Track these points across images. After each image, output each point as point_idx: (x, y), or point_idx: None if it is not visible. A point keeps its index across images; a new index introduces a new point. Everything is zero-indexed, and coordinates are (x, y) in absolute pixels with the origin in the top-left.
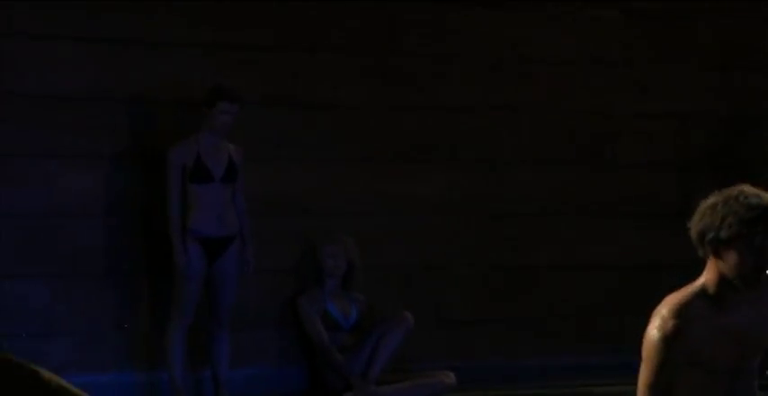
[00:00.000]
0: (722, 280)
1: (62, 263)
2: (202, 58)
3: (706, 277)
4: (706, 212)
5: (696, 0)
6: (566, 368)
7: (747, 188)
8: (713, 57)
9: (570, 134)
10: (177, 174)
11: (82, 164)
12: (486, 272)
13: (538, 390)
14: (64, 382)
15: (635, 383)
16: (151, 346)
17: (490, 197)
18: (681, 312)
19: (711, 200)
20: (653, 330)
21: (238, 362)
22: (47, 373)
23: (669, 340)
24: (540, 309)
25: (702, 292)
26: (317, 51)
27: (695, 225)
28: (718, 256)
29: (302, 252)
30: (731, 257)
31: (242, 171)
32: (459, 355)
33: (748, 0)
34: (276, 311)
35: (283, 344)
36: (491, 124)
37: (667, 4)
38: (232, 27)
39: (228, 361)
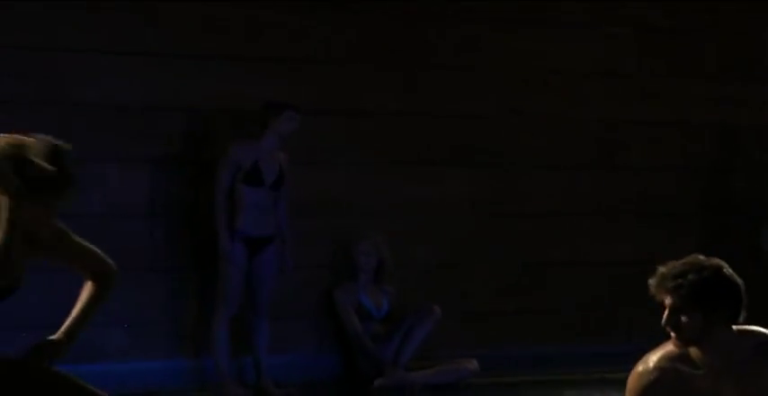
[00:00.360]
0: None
1: (117, 258)
2: (245, 70)
3: None
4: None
5: (702, 18)
6: (578, 356)
7: (696, 258)
8: (717, 69)
9: (582, 140)
10: (231, 171)
11: (135, 168)
12: (504, 267)
13: (553, 376)
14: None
15: None
16: (197, 335)
17: (508, 199)
18: (664, 361)
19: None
20: (637, 368)
21: (278, 349)
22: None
23: (646, 381)
24: (554, 301)
25: (687, 352)
26: (350, 64)
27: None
28: None
29: (337, 249)
30: None
31: (288, 177)
32: (481, 343)
33: (750, 18)
34: (313, 303)
35: (320, 333)
36: (509, 131)
37: (675, 21)
38: (274, 42)
39: (268, 349)
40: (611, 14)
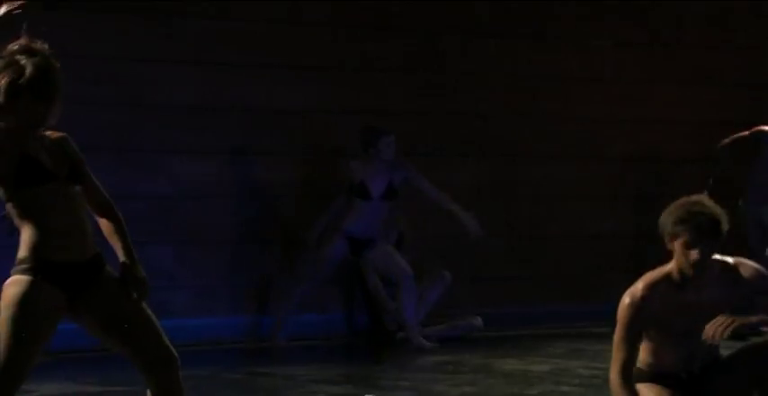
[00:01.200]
0: (679, 267)
1: (182, 233)
2: (286, 76)
3: (672, 264)
4: (664, 214)
5: (675, 32)
6: (566, 313)
7: (698, 199)
8: (686, 75)
9: (573, 135)
10: (346, 185)
11: (197, 158)
12: (505, 240)
13: (544, 330)
14: None
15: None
16: (253, 296)
17: (512, 183)
18: (648, 289)
19: (671, 206)
20: (626, 299)
21: (319, 309)
22: None
23: (636, 308)
24: (545, 268)
25: (668, 275)
26: (380, 71)
27: (660, 222)
28: (671, 248)
29: None
30: (676, 252)
31: (414, 173)
32: (484, 303)
33: (718, 32)
34: (346, 271)
35: (349, 294)
36: (512, 127)
37: (650, 36)
38: (317, 53)
39: (416, 311)
40: (596, 31)
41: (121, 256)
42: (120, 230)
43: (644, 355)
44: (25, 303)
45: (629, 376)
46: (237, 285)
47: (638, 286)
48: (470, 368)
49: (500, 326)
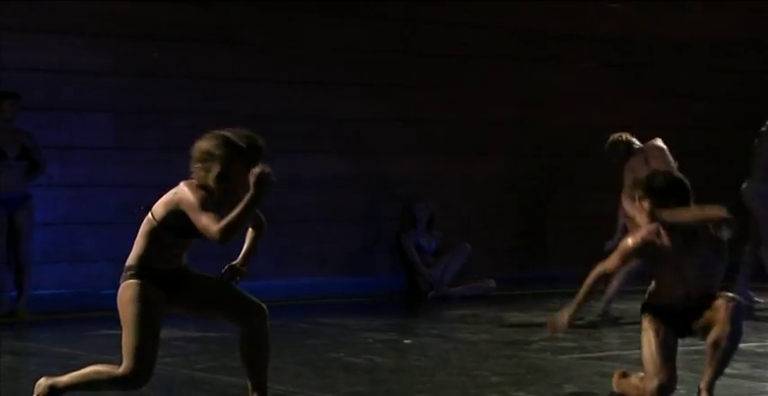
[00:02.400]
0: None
1: (263, 213)
2: (342, 91)
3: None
4: (641, 181)
5: (653, 56)
6: (564, 277)
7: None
8: (667, 93)
9: (564, 138)
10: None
11: (276, 156)
12: (516, 218)
13: (545, 290)
14: None
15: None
16: (316, 263)
17: (520, 176)
18: (650, 234)
19: (649, 176)
20: (628, 240)
21: (366, 273)
22: None
23: (635, 247)
24: (548, 242)
25: (658, 227)
26: (415, 88)
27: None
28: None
29: (403, 207)
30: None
31: None
32: (497, 269)
33: (684, 57)
34: (389, 243)
35: (393, 262)
36: (516, 133)
37: (632, 59)
38: (369, 73)
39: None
40: (583, 54)
41: (241, 256)
42: (257, 239)
43: (653, 292)
44: (139, 301)
45: (602, 276)
46: (305, 254)
47: (641, 232)
48: (486, 320)
49: (510, 287)
